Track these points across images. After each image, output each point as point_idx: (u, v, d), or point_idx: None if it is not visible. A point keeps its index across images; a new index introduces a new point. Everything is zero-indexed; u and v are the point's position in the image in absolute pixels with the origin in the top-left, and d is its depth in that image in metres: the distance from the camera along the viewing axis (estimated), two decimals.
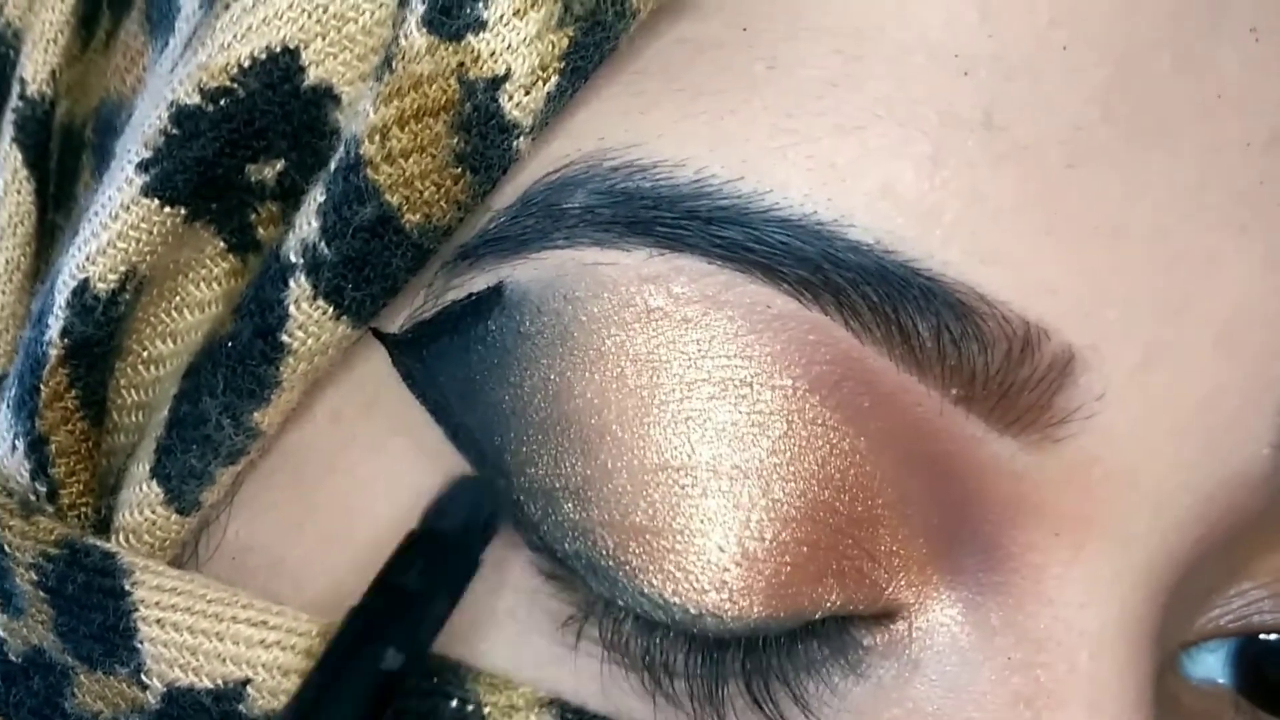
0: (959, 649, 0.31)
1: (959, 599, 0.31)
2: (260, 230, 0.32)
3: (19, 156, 0.36)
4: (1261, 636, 0.34)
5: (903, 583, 0.31)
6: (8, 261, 0.36)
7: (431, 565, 0.29)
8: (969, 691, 0.31)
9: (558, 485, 0.30)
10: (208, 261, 0.33)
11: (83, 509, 0.34)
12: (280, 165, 0.32)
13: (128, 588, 0.32)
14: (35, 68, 0.36)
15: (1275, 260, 0.31)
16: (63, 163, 0.37)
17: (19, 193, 0.36)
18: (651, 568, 0.30)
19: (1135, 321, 0.30)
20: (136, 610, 0.32)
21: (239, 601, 0.32)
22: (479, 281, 0.31)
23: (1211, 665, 0.34)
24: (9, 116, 0.37)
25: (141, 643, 0.32)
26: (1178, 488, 0.30)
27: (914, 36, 0.29)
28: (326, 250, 0.30)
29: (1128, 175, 0.30)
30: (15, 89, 0.37)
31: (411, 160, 0.30)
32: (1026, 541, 0.31)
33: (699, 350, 0.30)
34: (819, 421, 0.30)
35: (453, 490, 0.30)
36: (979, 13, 0.29)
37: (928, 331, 0.29)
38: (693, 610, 0.30)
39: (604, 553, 0.30)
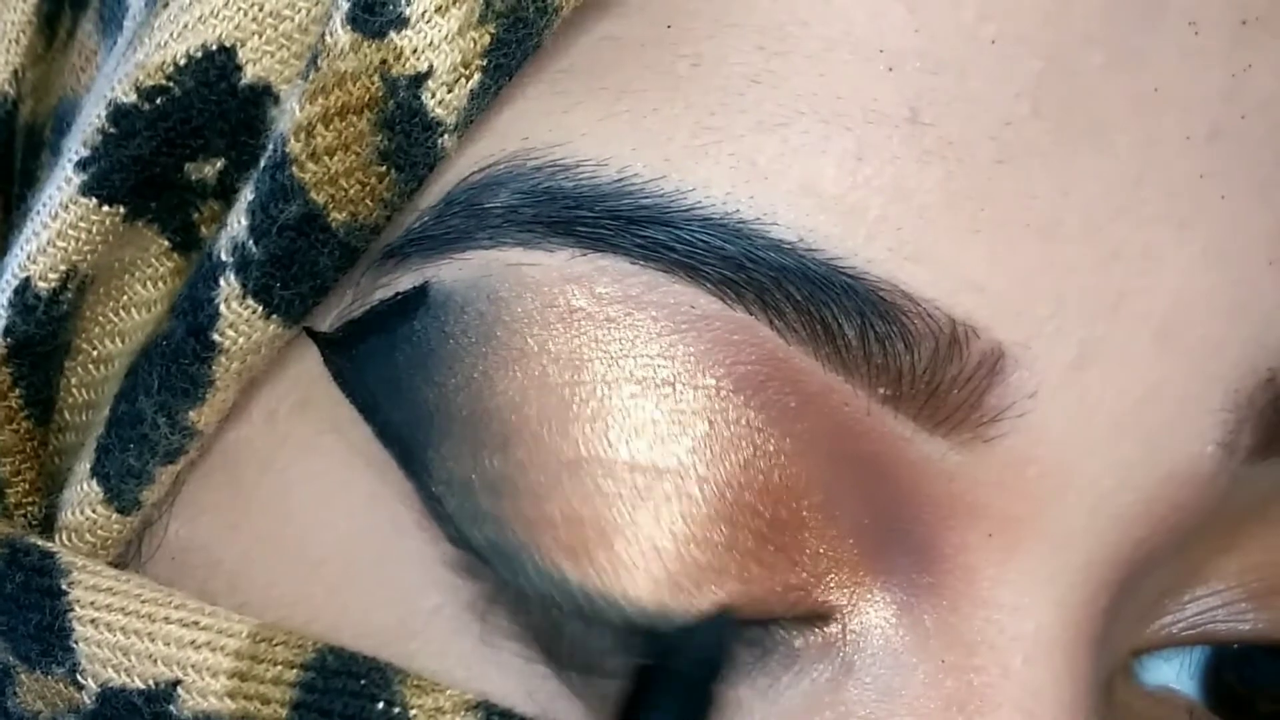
0: (892, 651, 0.30)
1: (893, 601, 0.31)
2: (203, 229, 0.32)
3: None
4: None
5: (832, 584, 0.30)
6: None
7: None
8: (901, 696, 0.30)
9: (474, 478, 0.30)
10: (153, 260, 0.32)
11: (29, 509, 0.34)
12: (220, 164, 0.31)
13: (64, 587, 0.32)
14: None
15: (1216, 254, 0.30)
16: (26, 163, 0.37)
17: None
18: (567, 562, 0.29)
19: (1068, 318, 0.29)
20: (72, 610, 0.32)
21: (172, 602, 0.31)
22: (405, 281, 0.30)
23: (1166, 672, 0.34)
24: None
25: (77, 643, 0.32)
26: (1116, 487, 0.30)
27: (838, 32, 0.29)
28: (254, 249, 0.30)
29: (1059, 171, 0.29)
30: None
31: (336, 158, 0.30)
32: (960, 543, 0.30)
33: (621, 350, 0.29)
34: (743, 422, 0.30)
35: None
36: (905, 8, 0.29)
37: (852, 330, 0.29)
38: (609, 605, 0.29)
39: (517, 543, 0.30)
